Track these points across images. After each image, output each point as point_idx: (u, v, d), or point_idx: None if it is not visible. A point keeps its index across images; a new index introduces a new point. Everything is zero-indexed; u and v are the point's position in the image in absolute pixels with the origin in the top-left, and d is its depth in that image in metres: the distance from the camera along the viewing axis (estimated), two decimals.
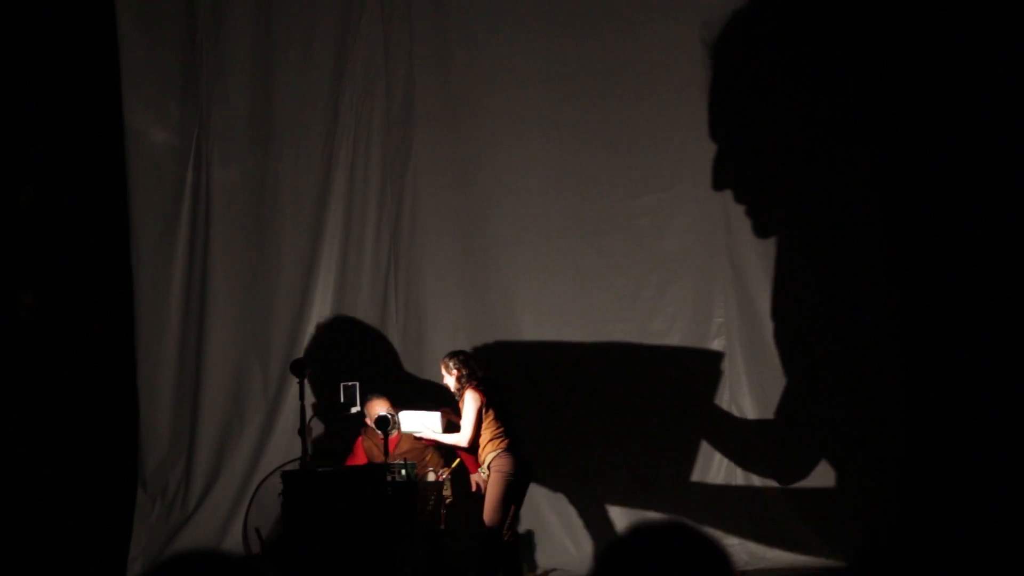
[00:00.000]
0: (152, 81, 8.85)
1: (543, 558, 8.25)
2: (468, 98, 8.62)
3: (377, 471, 7.18)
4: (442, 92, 8.67)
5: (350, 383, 7.44)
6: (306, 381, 7.60)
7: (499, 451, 7.04)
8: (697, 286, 8.35)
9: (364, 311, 8.69)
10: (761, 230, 8.25)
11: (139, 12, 8.83)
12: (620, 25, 8.45)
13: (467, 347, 7.97)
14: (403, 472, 7.15)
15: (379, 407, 7.62)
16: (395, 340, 8.64)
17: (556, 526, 8.36)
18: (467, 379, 7.14)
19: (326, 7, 8.79)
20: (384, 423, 7.19)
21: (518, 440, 7.15)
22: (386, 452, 7.24)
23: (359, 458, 7.81)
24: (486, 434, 7.08)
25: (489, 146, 8.58)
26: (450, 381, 7.25)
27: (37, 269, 8.56)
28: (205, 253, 8.81)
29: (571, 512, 8.38)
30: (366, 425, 7.73)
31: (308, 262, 8.75)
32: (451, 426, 7.32)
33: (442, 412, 7.33)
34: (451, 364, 7.23)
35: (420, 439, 7.48)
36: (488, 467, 7.09)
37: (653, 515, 8.19)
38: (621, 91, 8.41)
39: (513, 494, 7.05)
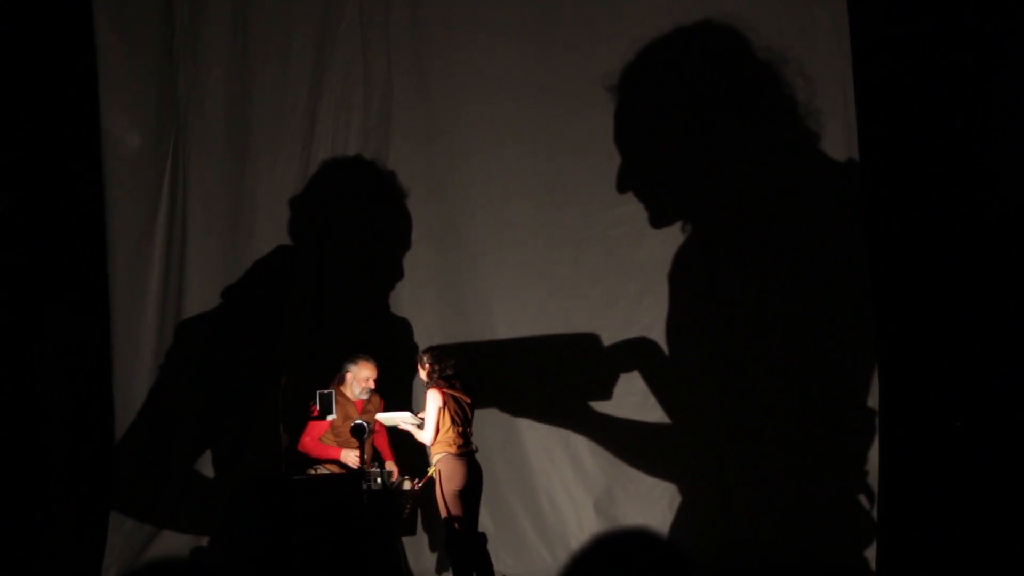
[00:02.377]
0: (129, 87, 8.81)
1: (518, 566, 8.27)
2: (446, 107, 8.64)
3: (353, 479, 7.20)
4: (420, 101, 8.69)
5: (326, 391, 7.45)
6: (283, 387, 7.60)
7: (445, 453, 7.19)
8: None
9: (342, 318, 8.69)
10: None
11: (117, 18, 8.79)
12: (596, 34, 8.48)
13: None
14: (379, 480, 7.19)
15: (366, 369, 7.71)
16: (372, 347, 8.64)
17: (529, 532, 8.39)
18: (436, 375, 7.28)
19: (304, 15, 8.79)
20: (360, 431, 7.22)
21: (469, 444, 7.27)
22: (362, 460, 7.27)
23: (319, 428, 7.71)
24: (439, 434, 7.21)
25: (466, 155, 8.61)
26: (422, 374, 7.43)
27: (12, 276, 8.52)
28: (182, 260, 8.79)
29: (545, 518, 8.40)
30: (343, 381, 7.72)
31: (286, 270, 8.75)
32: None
33: (416, 414, 7.46)
34: (424, 358, 7.43)
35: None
36: (435, 465, 7.24)
37: (623, 522, 8.23)
38: (598, 100, 8.44)
39: (463, 496, 7.13)
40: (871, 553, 7.87)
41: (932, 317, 7.88)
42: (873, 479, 7.92)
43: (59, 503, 8.54)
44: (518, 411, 8.45)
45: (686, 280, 8.34)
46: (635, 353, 8.37)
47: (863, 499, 7.95)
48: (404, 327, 8.66)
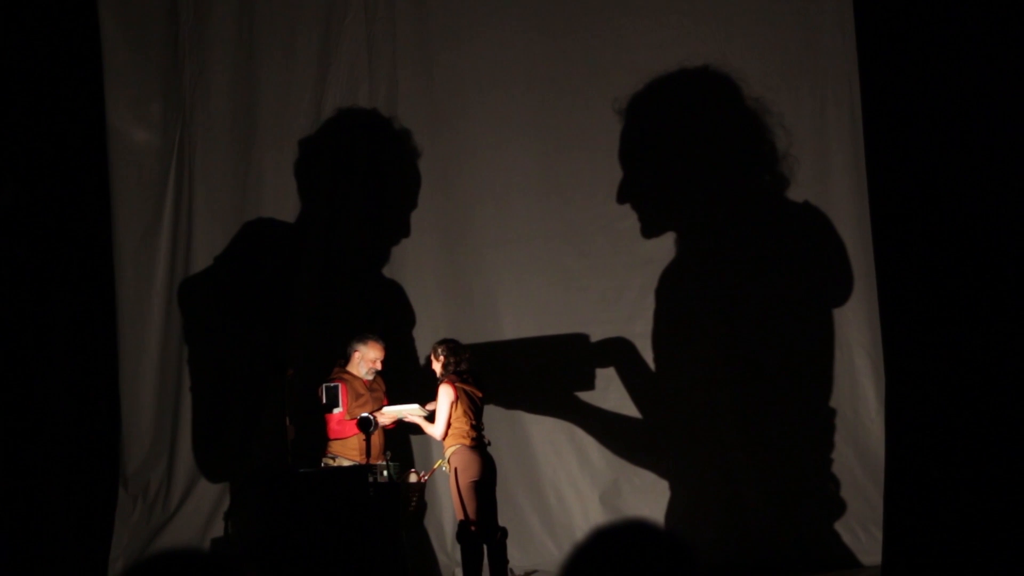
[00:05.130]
0: (135, 81, 8.84)
1: (524, 559, 8.27)
2: (451, 100, 8.64)
3: (359, 472, 7.21)
4: (425, 94, 8.69)
5: (332, 384, 7.45)
6: (289, 379, 7.61)
7: (458, 446, 7.20)
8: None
9: (347, 312, 8.70)
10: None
11: (122, 12, 8.81)
12: (603, 28, 8.47)
13: None
14: (385, 473, 7.19)
15: (374, 350, 7.69)
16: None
17: (536, 525, 8.39)
18: (450, 368, 7.29)
19: (309, 8, 8.80)
20: (366, 424, 7.23)
21: (482, 438, 7.28)
22: (368, 453, 7.27)
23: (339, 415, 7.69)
24: (452, 427, 7.21)
25: (471, 148, 8.61)
26: (436, 366, 7.42)
27: (18, 270, 8.54)
28: (188, 253, 8.81)
29: (552, 512, 8.40)
30: (348, 360, 7.72)
31: (291, 263, 8.76)
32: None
33: (423, 405, 7.46)
34: (439, 350, 7.42)
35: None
36: (448, 460, 7.25)
37: (628, 514, 8.23)
38: (604, 94, 8.43)
39: (477, 488, 7.13)
40: (877, 546, 7.85)
41: (939, 315, 7.84)
42: (879, 473, 7.90)
43: (66, 496, 8.56)
44: (523, 405, 8.45)
45: (690, 277, 8.33)
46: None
47: (869, 493, 7.94)
48: (410, 319, 8.67)
